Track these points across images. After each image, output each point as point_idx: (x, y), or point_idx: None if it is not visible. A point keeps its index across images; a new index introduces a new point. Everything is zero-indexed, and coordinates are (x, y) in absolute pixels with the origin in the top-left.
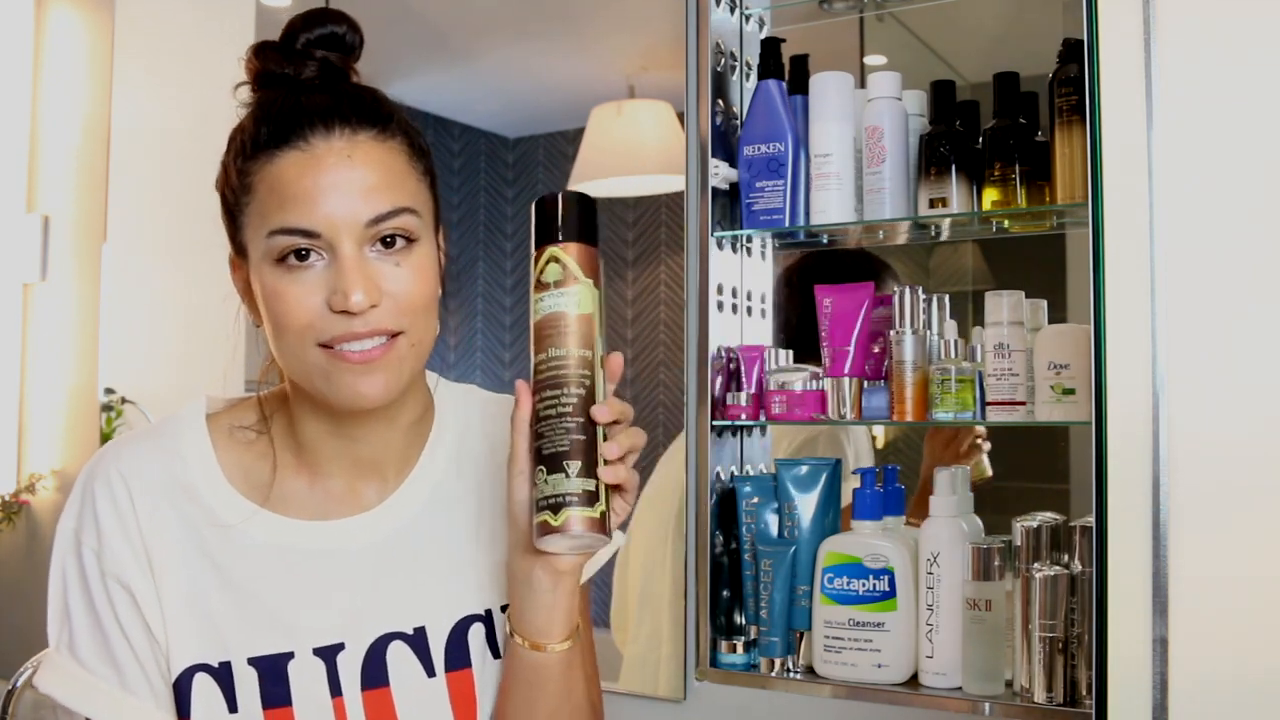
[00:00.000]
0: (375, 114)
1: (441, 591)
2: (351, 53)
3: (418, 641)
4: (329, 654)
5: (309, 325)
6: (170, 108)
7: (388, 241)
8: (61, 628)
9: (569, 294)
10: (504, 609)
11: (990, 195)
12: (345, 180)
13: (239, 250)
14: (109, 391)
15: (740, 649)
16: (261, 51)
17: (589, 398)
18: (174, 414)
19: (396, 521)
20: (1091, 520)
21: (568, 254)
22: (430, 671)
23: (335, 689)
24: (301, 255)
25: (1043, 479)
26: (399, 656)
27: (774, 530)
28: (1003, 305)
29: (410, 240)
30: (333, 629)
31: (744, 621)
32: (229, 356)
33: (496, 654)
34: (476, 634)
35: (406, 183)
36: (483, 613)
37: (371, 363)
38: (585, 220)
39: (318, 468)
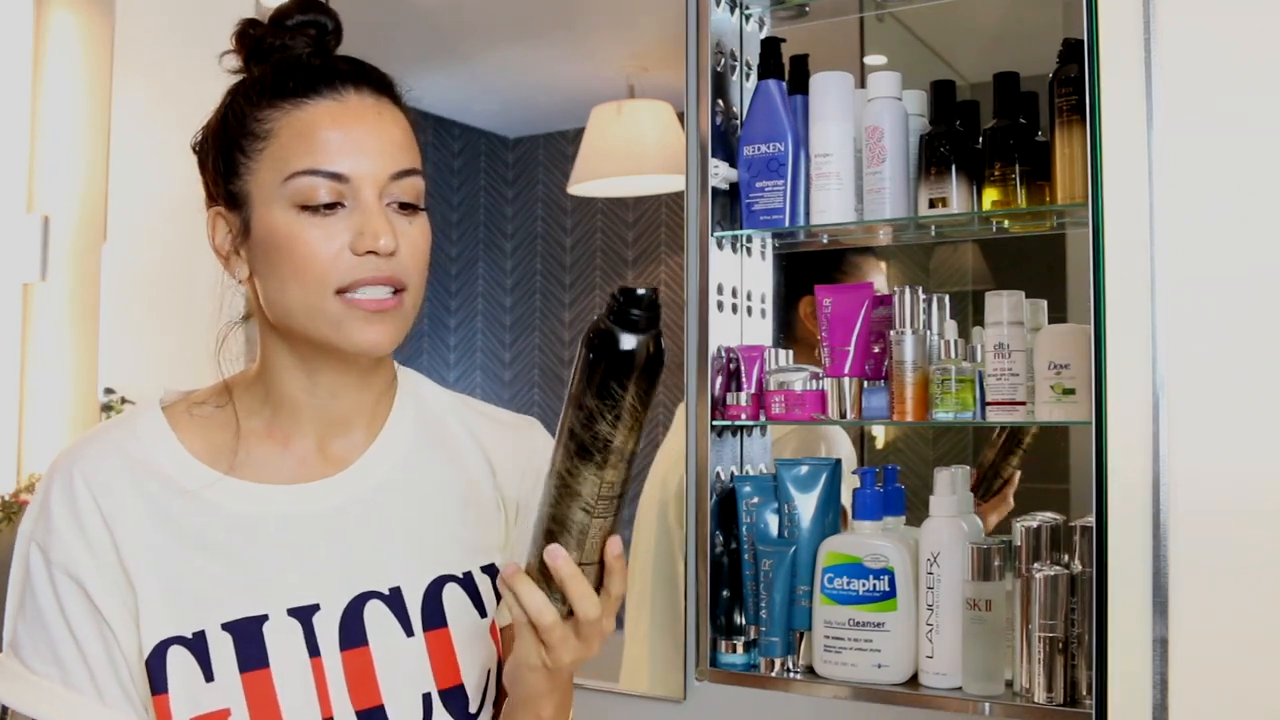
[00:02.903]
0: (393, 87)
1: (415, 551)
2: (334, 40)
3: (394, 601)
4: (304, 614)
5: (329, 270)
6: (169, 107)
7: (401, 203)
8: (9, 629)
9: None
10: (484, 569)
11: (990, 195)
12: (376, 132)
13: (232, 200)
14: (109, 391)
15: (740, 649)
16: (255, 24)
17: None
18: (128, 411)
19: (369, 480)
20: (1091, 520)
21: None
22: (409, 631)
23: (313, 649)
24: (323, 201)
25: (1043, 479)
26: (376, 616)
27: (774, 530)
28: (1003, 305)
29: (417, 206)
30: (307, 590)
31: (744, 621)
32: (209, 344)
33: (483, 613)
34: (453, 594)
35: (416, 152)
36: (460, 575)
37: (383, 312)
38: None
39: (291, 430)
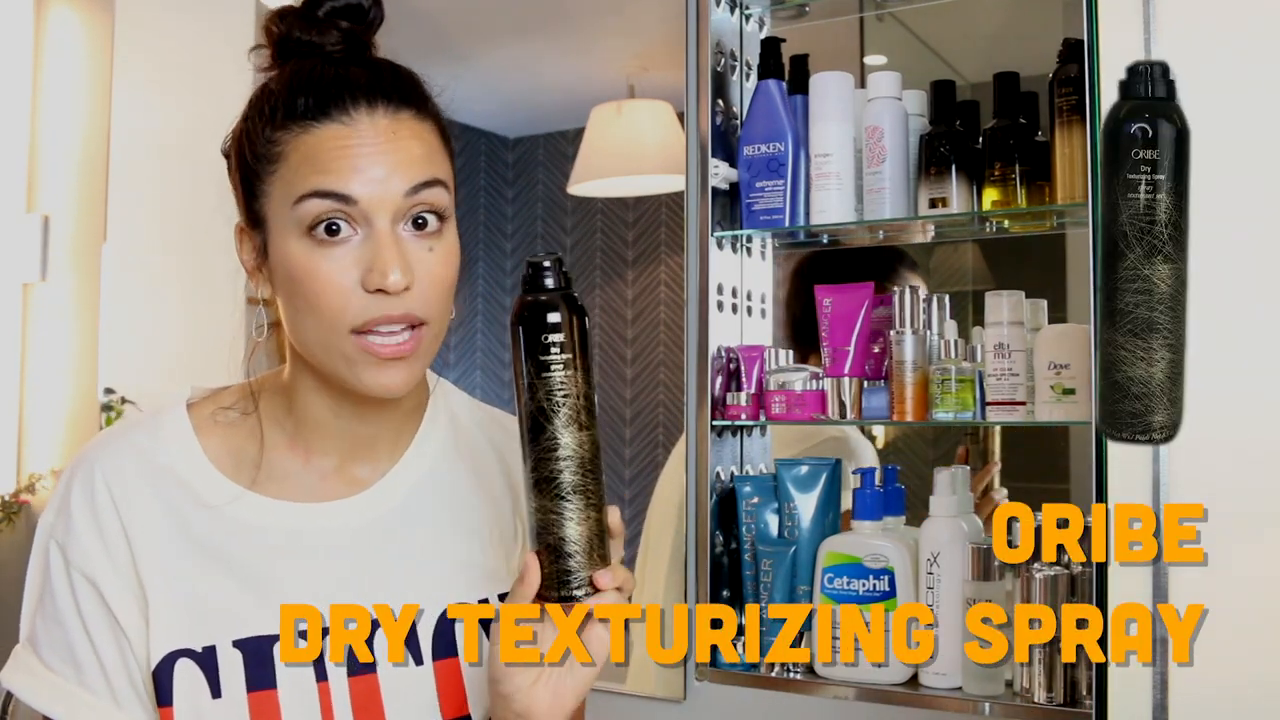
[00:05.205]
0: (416, 93)
1: (431, 577)
2: (371, 26)
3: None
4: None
5: (343, 309)
6: (170, 108)
7: (420, 223)
8: (28, 623)
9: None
10: (501, 598)
11: (990, 195)
12: (388, 153)
13: (253, 220)
14: (109, 391)
15: (741, 649)
16: (284, 17)
17: None
18: (155, 406)
19: (388, 504)
20: (1091, 520)
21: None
22: (418, 660)
23: (321, 673)
24: (333, 229)
25: (1043, 479)
26: (387, 643)
27: (774, 530)
28: (1003, 305)
29: (441, 220)
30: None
31: (744, 621)
32: (229, 358)
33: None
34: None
35: (441, 160)
36: (474, 602)
37: (401, 358)
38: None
39: (313, 446)
